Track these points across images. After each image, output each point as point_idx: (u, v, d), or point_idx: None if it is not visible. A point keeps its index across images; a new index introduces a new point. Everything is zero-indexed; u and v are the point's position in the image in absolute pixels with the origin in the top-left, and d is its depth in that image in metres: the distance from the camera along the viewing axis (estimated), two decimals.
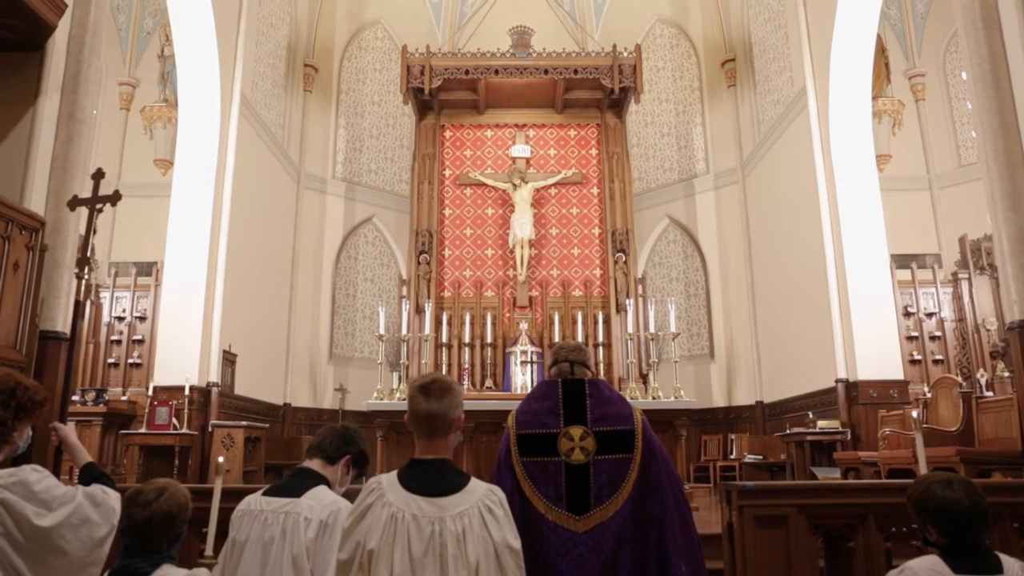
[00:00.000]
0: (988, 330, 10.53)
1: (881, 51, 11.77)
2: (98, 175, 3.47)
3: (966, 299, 11.30)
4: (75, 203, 3.69)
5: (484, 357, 11.41)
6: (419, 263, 11.78)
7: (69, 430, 2.87)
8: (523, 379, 10.61)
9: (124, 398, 10.84)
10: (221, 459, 2.51)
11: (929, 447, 6.33)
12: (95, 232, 3.42)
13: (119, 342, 11.71)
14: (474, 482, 2.10)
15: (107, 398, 9.97)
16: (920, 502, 2.34)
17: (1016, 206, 5.76)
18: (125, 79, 13.12)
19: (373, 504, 2.04)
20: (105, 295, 11.87)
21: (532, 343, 11.17)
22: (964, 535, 2.28)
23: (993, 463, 6.17)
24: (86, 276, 3.35)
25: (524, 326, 11.38)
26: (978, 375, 9.99)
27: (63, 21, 5.85)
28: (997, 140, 5.88)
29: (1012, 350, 5.95)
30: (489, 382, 11.15)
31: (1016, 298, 5.74)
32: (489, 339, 11.45)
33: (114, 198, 3.44)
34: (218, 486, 2.43)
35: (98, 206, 3.36)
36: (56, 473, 2.71)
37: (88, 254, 3.33)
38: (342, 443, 2.62)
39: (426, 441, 2.17)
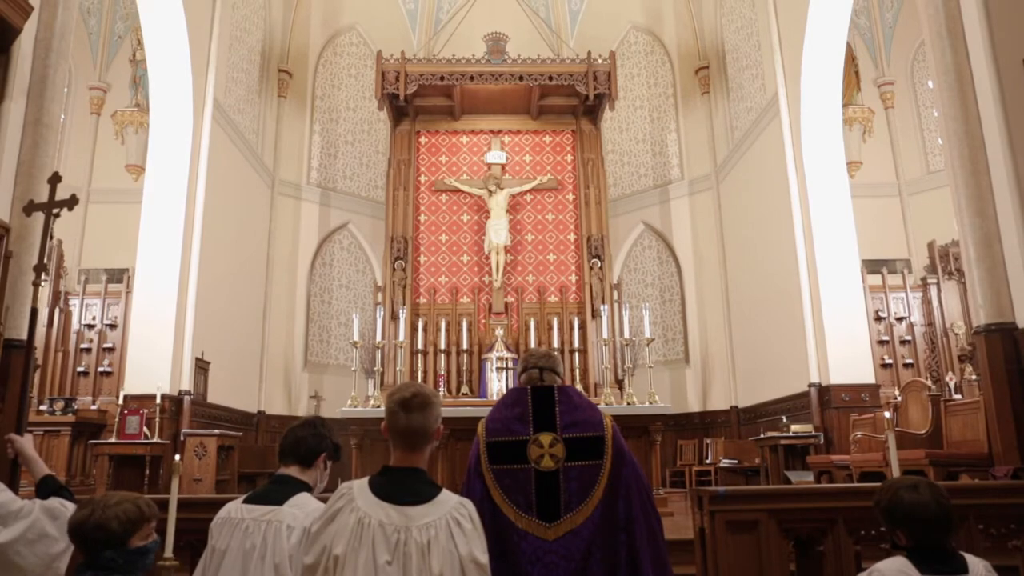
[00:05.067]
0: (956, 334, 10.69)
1: (851, 59, 11.94)
2: (54, 179, 3.39)
3: (935, 304, 11.47)
4: (31, 208, 3.61)
5: (460, 363, 11.39)
6: (394, 269, 11.75)
7: (26, 442, 2.80)
8: (499, 385, 10.59)
9: (94, 407, 10.64)
10: (178, 457, 2.45)
11: (899, 450, 6.39)
12: (52, 237, 3.35)
13: (89, 350, 11.48)
14: (445, 494, 2.07)
15: (76, 407, 9.78)
16: (889, 508, 2.36)
17: (981, 211, 5.85)
18: (96, 83, 12.91)
19: (342, 509, 2.02)
20: (75, 302, 11.65)
21: (508, 349, 11.16)
22: (932, 537, 2.30)
23: (961, 465, 6.25)
24: (43, 283, 3.28)
25: (500, 332, 11.37)
26: (947, 378, 10.13)
27: (29, 24, 5.73)
28: (962, 147, 5.97)
29: (979, 354, 6.03)
30: (465, 388, 11.12)
31: (982, 302, 5.83)
32: (465, 345, 11.43)
33: (71, 203, 3.36)
34: (175, 487, 2.37)
35: (55, 211, 3.28)
36: (14, 487, 2.65)
37: (45, 260, 3.26)
38: (315, 443, 2.53)
39: (402, 452, 2.15)
